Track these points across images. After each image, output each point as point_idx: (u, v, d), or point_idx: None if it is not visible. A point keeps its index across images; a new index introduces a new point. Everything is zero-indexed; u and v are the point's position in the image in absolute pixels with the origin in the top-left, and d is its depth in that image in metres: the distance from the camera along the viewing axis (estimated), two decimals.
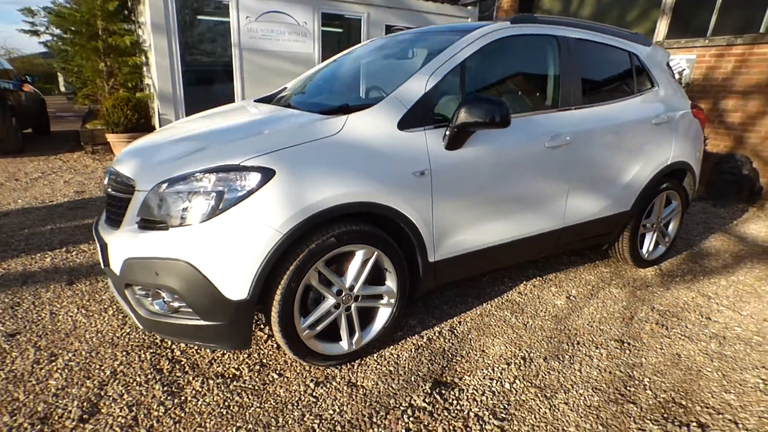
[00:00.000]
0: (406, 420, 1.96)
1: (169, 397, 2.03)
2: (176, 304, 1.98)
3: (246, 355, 2.35)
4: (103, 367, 2.21)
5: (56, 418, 1.88)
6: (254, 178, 1.92)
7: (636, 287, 3.33)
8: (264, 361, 2.31)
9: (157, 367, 2.23)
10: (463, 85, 2.43)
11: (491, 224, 2.58)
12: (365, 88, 2.93)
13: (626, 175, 3.14)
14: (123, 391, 2.05)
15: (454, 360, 2.39)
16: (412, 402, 2.07)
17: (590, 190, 2.98)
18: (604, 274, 3.52)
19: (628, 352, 2.53)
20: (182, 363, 2.26)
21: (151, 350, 2.35)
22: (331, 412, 1.99)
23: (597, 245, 3.48)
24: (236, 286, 1.91)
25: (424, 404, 2.06)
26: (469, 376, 2.27)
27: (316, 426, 1.91)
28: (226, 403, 2.01)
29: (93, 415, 1.90)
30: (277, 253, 1.94)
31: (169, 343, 2.42)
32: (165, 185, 1.98)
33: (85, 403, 1.96)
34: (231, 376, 2.19)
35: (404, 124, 2.24)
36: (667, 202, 3.57)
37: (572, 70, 2.83)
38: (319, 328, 2.19)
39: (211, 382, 2.14)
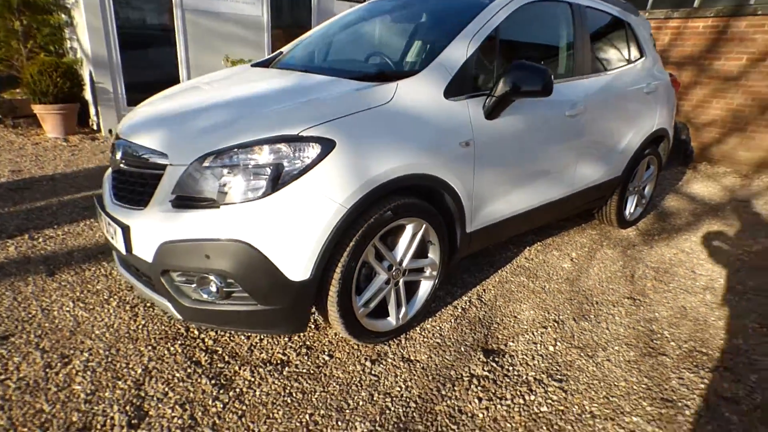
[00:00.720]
0: (475, 390, 1.96)
1: (221, 391, 1.87)
2: (229, 290, 1.80)
3: (286, 339, 2.22)
4: (131, 365, 1.99)
5: (99, 427, 1.67)
6: (315, 149, 1.77)
7: (625, 246, 3.56)
8: (308, 343, 2.20)
9: (194, 359, 2.05)
10: (496, 53, 2.38)
11: (519, 193, 2.60)
12: (383, 52, 2.78)
13: (622, 142, 3.29)
14: (166, 388, 1.87)
15: (492, 327, 2.42)
16: (473, 372, 2.07)
17: (594, 157, 3.10)
18: (593, 236, 3.72)
19: (642, 308, 2.70)
20: (219, 353, 2.10)
21: (179, 342, 2.16)
22: (398, 389, 1.95)
23: (589, 209, 3.65)
24: (299, 266, 1.78)
25: (485, 373, 2.07)
26: (512, 342, 2.31)
27: (389, 404, 1.86)
28: (287, 391, 1.90)
29: (142, 419, 1.72)
30: (340, 230, 1.82)
31: (197, 332, 2.23)
32: (211, 158, 1.77)
33: (127, 407, 1.76)
34: (279, 362, 2.07)
35: (449, 92, 2.17)
36: (647, 167, 3.80)
37: (584, 37, 2.88)
38: (372, 305, 2.11)
39: (260, 370, 2.01)
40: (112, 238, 2.00)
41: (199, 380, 1.92)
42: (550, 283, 2.91)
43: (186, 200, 1.81)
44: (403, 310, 2.25)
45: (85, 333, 2.17)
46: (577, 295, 2.79)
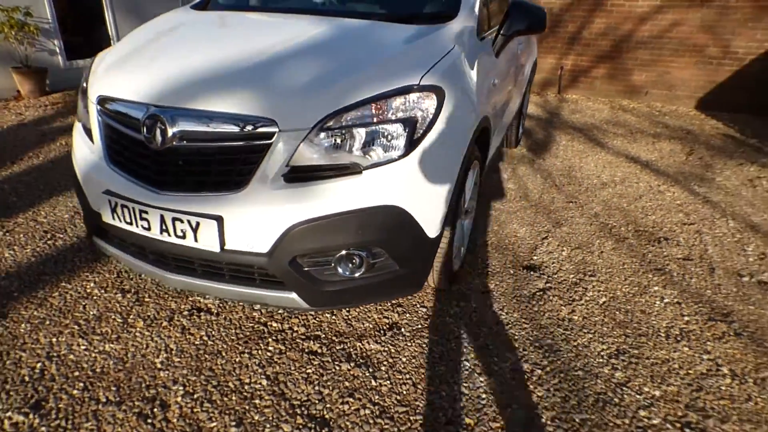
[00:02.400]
0: (552, 299, 2.30)
1: (370, 369, 1.81)
2: (375, 260, 1.69)
3: (370, 307, 2.16)
4: (252, 381, 1.72)
5: None
6: (432, 99, 1.73)
7: (530, 163, 4.25)
8: (395, 303, 2.19)
9: (306, 350, 1.88)
10: None
11: (502, 120, 2.94)
12: None
13: (525, 79, 3.86)
14: (315, 388, 1.71)
15: (512, 249, 2.76)
16: (537, 287, 2.40)
17: (517, 90, 3.58)
18: (506, 158, 4.32)
19: (583, 207, 3.38)
20: (322, 337, 1.96)
21: (271, 339, 1.92)
22: (496, 315, 2.15)
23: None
24: (435, 222, 1.78)
25: (546, 285, 2.42)
26: (536, 255, 2.70)
27: (501, 327, 2.06)
28: (422, 344, 1.93)
29: (329, 426, 1.57)
30: (460, 179, 1.86)
31: (272, 324, 1.99)
32: (337, 118, 1.57)
33: (308, 422, 1.57)
34: (388, 326, 2.05)
35: (478, 33, 2.28)
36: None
37: None
38: (463, 250, 2.22)
39: (382, 337, 1.97)
40: (181, 236, 1.61)
41: (338, 367, 1.79)
42: (512, 203, 3.37)
43: (308, 171, 1.58)
44: (463, 250, 2.40)
45: (148, 366, 1.74)
46: (538, 208, 3.31)
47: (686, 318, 2.22)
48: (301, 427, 1.53)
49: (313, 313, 2.05)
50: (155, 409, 1.57)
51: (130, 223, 1.71)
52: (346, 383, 1.72)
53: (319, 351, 1.87)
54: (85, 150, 1.89)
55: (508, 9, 2.38)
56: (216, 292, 1.76)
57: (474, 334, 2.01)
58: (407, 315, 2.10)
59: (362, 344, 1.91)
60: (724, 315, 2.26)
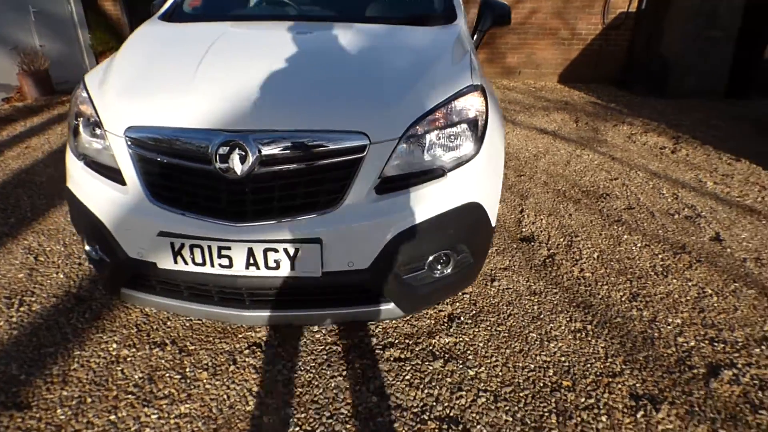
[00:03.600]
0: (571, 259, 2.58)
1: (460, 363, 1.89)
2: (459, 257, 1.76)
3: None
4: (344, 410, 1.70)
5: None
6: (482, 96, 1.83)
7: None
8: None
9: (384, 357, 1.89)
10: None
11: None
12: None
13: None
14: (422, 396, 1.74)
15: (499, 223, 3.00)
16: (545, 254, 2.67)
17: None
18: None
19: (532, 179, 3.77)
20: (390, 341, 1.98)
21: (333, 359, 1.89)
22: (534, 285, 2.37)
23: None
24: (495, 212, 1.90)
25: (553, 251, 2.70)
26: (526, 225, 2.98)
27: (547, 296, 2.29)
28: (495, 329, 2.06)
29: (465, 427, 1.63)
30: None
31: (328, 339, 1.97)
32: (420, 125, 1.60)
33: None
34: (449, 317, 2.13)
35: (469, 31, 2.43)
36: None
37: None
38: None
39: (451, 329, 2.05)
40: (274, 267, 1.52)
41: (431, 366, 1.84)
42: None
43: (398, 181, 1.59)
44: None
45: (243, 416, 1.61)
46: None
47: (660, 256, 2.66)
48: (437, 430, 1.56)
49: (374, 321, 2.04)
50: None
51: (202, 264, 1.54)
52: (448, 379, 1.77)
53: (404, 356, 1.88)
54: (108, 192, 1.63)
55: (480, 7, 2.56)
56: (303, 320, 1.68)
57: (522, 307, 2.19)
58: (456, 304, 2.20)
59: (437, 340, 1.97)
60: (682, 248, 2.75)
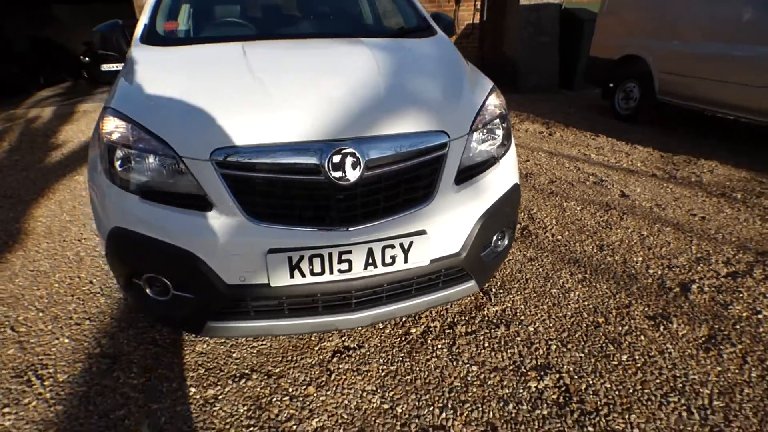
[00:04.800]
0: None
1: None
2: (510, 231, 2.06)
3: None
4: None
5: None
6: (500, 95, 2.16)
7: None
8: None
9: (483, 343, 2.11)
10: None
11: None
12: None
13: None
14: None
15: None
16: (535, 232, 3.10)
17: None
18: None
19: None
20: (465, 318, 2.20)
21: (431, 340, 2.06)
22: (539, 270, 2.78)
23: None
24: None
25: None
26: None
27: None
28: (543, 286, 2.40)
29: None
30: None
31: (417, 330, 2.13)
32: (478, 119, 1.87)
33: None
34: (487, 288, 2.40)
35: None
36: None
37: None
38: None
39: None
40: (390, 263, 1.66)
41: (498, 331, 2.10)
42: None
43: (469, 171, 1.84)
44: None
45: (370, 419, 1.70)
46: None
47: (597, 214, 3.28)
48: (541, 378, 1.82)
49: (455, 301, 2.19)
50: None
51: (321, 273, 1.58)
52: (518, 338, 2.05)
53: (472, 329, 2.10)
54: (195, 221, 1.55)
55: (433, 19, 2.88)
56: (403, 311, 1.79)
57: (531, 271, 2.57)
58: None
59: (487, 311, 2.23)
60: (607, 205, 3.42)
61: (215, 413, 1.67)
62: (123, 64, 2.55)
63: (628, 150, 4.81)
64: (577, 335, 2.06)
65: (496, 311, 2.23)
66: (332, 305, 1.69)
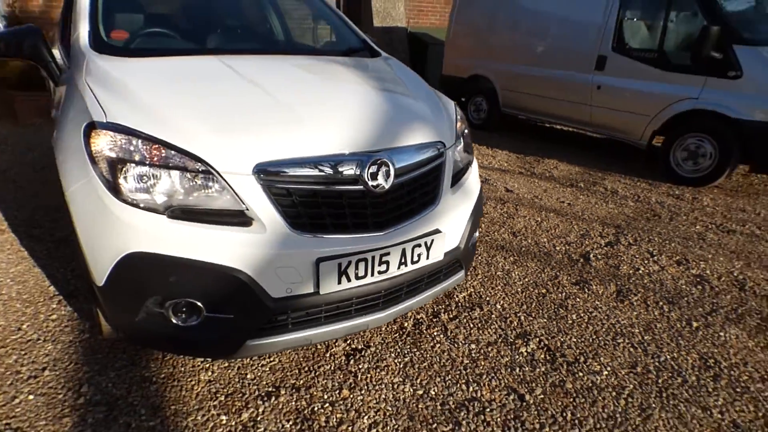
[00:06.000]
0: None
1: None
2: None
3: None
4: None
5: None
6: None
7: None
8: None
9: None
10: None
11: None
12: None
13: None
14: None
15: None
16: None
17: None
18: None
19: None
20: (467, 305, 2.45)
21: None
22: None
23: None
24: None
25: None
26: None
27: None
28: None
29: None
30: None
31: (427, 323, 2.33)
32: (460, 128, 2.17)
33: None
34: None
35: None
36: None
37: None
38: None
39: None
40: (416, 261, 1.85)
41: (473, 313, 2.41)
42: None
43: (457, 175, 2.12)
44: None
45: (412, 409, 1.86)
46: None
47: (499, 207, 3.85)
48: (526, 343, 2.16)
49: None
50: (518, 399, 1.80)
51: (364, 276, 1.67)
52: (493, 316, 2.38)
53: (455, 315, 2.36)
54: (238, 237, 1.51)
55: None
56: (417, 305, 1.97)
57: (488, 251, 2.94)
58: None
59: (457, 297, 2.51)
60: (501, 199, 4.02)
61: None
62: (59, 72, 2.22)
63: (491, 153, 5.63)
64: (533, 306, 2.47)
65: (464, 297, 2.53)
66: (364, 307, 1.78)
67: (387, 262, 1.71)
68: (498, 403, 1.81)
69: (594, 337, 2.23)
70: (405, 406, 1.78)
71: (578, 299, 2.55)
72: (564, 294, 2.59)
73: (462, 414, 1.75)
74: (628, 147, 5.52)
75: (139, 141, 1.51)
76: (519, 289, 2.63)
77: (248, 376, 1.88)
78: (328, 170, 1.61)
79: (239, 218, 1.53)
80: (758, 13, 4.90)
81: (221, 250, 1.50)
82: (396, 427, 1.68)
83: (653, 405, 1.82)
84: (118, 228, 1.49)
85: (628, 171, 5.07)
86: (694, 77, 4.56)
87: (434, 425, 1.70)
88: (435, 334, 2.21)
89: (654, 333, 2.27)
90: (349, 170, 1.63)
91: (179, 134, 1.53)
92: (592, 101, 5.40)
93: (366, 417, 1.72)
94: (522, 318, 2.36)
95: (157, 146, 1.51)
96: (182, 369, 1.90)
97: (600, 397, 1.85)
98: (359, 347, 2.09)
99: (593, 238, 3.32)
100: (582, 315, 2.40)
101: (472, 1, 6.75)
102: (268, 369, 1.92)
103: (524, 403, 1.81)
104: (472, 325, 2.28)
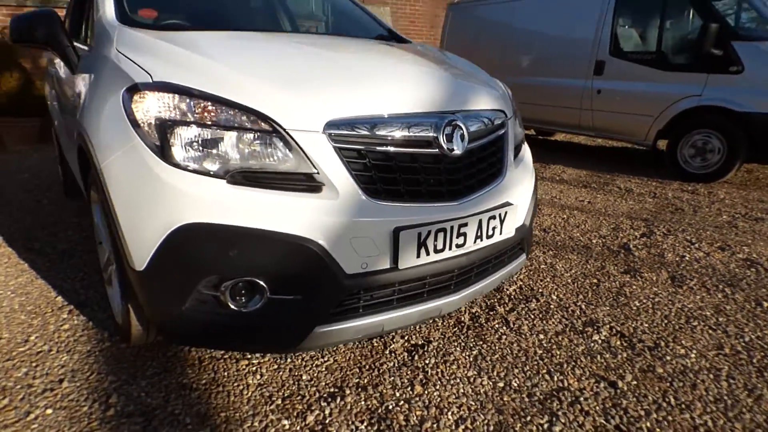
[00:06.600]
0: None
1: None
2: None
3: None
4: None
5: None
6: None
7: None
8: None
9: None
10: None
11: None
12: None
13: None
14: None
15: None
16: None
17: None
18: None
19: None
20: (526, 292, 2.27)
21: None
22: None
23: None
24: None
25: None
26: None
27: None
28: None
29: None
30: None
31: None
32: (514, 103, 2.04)
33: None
34: None
35: None
36: None
37: None
38: None
39: None
40: (491, 235, 1.66)
41: (531, 305, 2.22)
42: None
43: (516, 149, 1.97)
44: None
45: (492, 403, 1.65)
46: None
47: (564, 215, 3.70)
48: (597, 331, 1.98)
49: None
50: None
51: (442, 249, 1.48)
52: (552, 306, 2.19)
53: (511, 307, 2.17)
54: (310, 203, 1.32)
55: None
56: (486, 289, 1.78)
57: None
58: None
59: (507, 290, 2.32)
60: (564, 207, 3.88)
61: None
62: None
63: None
64: (590, 295, 2.30)
65: (515, 290, 2.34)
66: (436, 288, 1.58)
67: (464, 234, 1.53)
68: (590, 392, 1.60)
69: (666, 321, 2.06)
70: (489, 399, 1.56)
71: (634, 287, 2.38)
72: (618, 282, 2.43)
73: (555, 405, 1.54)
74: (627, 152, 5.52)
75: (194, 99, 1.32)
76: (569, 280, 2.45)
77: (303, 378, 1.63)
78: (403, 131, 1.43)
79: (308, 183, 1.34)
80: (752, 11, 5.04)
81: (290, 218, 1.29)
82: (486, 422, 1.46)
83: (758, 385, 1.64)
84: (170, 197, 1.27)
85: (634, 172, 5.03)
86: (696, 75, 4.59)
87: (528, 418, 1.48)
88: (497, 326, 2.00)
89: (727, 315, 2.11)
90: (424, 131, 1.46)
91: (239, 91, 1.35)
92: (593, 106, 5.41)
93: (449, 413, 1.49)
94: (583, 307, 2.18)
95: (214, 104, 1.31)
96: (225, 374, 1.64)
97: (699, 380, 1.67)
98: (419, 343, 1.86)
99: (626, 230, 3.20)
100: (644, 301, 2.24)
101: (466, 18, 6.80)
102: (324, 369, 1.69)
103: (619, 391, 1.61)
104: (533, 316, 2.09)
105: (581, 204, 3.84)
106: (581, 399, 1.57)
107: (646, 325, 2.03)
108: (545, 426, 1.45)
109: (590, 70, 5.39)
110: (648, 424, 1.46)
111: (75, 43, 2.06)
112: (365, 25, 2.71)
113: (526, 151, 2.05)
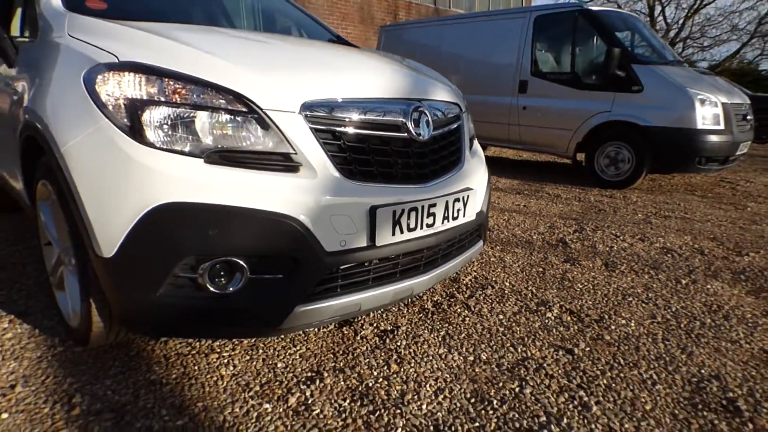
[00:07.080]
0: None
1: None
2: None
3: None
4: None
5: None
6: None
7: None
8: None
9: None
10: None
11: None
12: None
13: None
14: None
15: None
16: None
17: None
18: None
19: None
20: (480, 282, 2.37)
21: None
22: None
23: None
24: None
25: None
26: None
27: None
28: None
29: None
30: None
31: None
32: (465, 101, 2.20)
33: None
34: None
35: None
36: None
37: None
38: None
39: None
40: (456, 217, 1.78)
41: (485, 292, 2.36)
42: None
43: (470, 141, 2.13)
44: None
45: (476, 378, 1.74)
46: None
47: (505, 216, 3.89)
48: (550, 309, 2.14)
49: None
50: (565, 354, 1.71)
51: (414, 228, 1.57)
52: (506, 291, 2.33)
53: (470, 293, 2.28)
54: (289, 182, 1.35)
55: None
56: (450, 271, 1.87)
57: None
58: None
59: (463, 279, 2.44)
60: (504, 210, 4.09)
61: (318, 415, 1.38)
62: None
63: None
64: (538, 281, 2.47)
65: (471, 279, 2.46)
66: (407, 269, 1.65)
67: (434, 215, 1.62)
68: (551, 359, 1.73)
69: (606, 299, 2.26)
70: (462, 371, 1.64)
71: (575, 272, 2.59)
72: (560, 270, 2.63)
73: (522, 371, 1.65)
74: (551, 165, 5.96)
75: (167, 78, 1.31)
76: (518, 270, 2.62)
77: (279, 365, 1.62)
78: (375, 115, 1.51)
79: (285, 162, 1.37)
80: (645, 39, 5.74)
81: (271, 196, 1.31)
82: (463, 390, 1.53)
83: (689, 344, 1.86)
84: (143, 177, 1.25)
85: (560, 181, 5.45)
86: (606, 93, 5.12)
87: (500, 384, 1.57)
88: (459, 310, 2.10)
89: (655, 291, 2.36)
90: (393, 116, 1.55)
91: (214, 72, 1.36)
92: (520, 121, 5.82)
93: (427, 385, 1.55)
94: (534, 290, 2.34)
95: (188, 83, 1.32)
96: (196, 368, 1.59)
97: (641, 344, 1.85)
98: (388, 328, 1.91)
99: (560, 228, 3.47)
100: (585, 284, 2.44)
101: (398, 40, 7.10)
102: (298, 357, 1.68)
103: (576, 356, 1.75)
104: (491, 300, 2.21)
105: (518, 207, 4.10)
106: (545, 365, 1.69)
107: (590, 302, 2.22)
108: (517, 390, 1.55)
109: (515, 89, 5.82)
110: (605, 381, 1.60)
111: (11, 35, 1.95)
112: (317, 30, 2.79)
113: (477, 145, 2.20)
